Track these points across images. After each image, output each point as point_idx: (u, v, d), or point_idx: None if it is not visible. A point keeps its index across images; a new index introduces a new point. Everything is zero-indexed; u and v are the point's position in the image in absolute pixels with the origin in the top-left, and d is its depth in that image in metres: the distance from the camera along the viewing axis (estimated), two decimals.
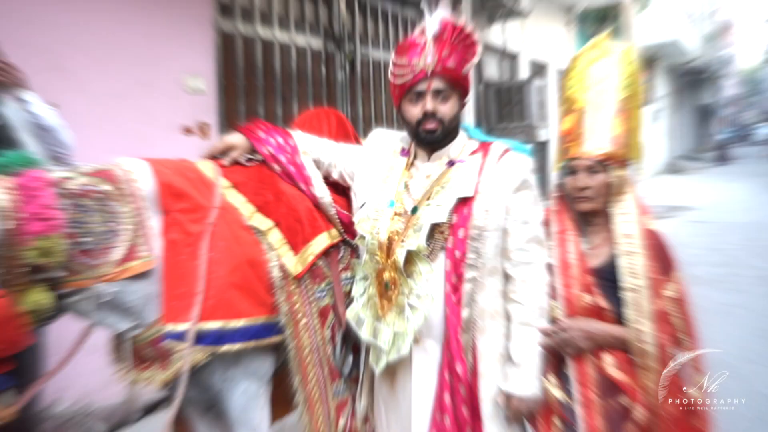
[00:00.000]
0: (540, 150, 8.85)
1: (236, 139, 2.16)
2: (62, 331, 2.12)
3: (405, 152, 2.04)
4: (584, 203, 1.94)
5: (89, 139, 3.38)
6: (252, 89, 4.78)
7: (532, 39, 10.10)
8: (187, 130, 4.10)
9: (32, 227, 1.53)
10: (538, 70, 10.83)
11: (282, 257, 1.99)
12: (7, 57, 2.61)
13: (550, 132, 9.02)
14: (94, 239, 1.71)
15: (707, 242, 8.77)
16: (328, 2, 5.55)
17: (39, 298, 1.59)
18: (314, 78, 5.40)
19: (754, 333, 4.91)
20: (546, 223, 2.00)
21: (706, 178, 19.49)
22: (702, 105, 34.41)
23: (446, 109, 1.90)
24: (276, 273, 1.97)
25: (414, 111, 1.90)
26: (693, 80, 30.20)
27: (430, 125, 1.89)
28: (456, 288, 1.84)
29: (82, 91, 3.45)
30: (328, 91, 5.58)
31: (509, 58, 9.71)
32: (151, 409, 3.75)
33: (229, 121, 4.51)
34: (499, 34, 8.95)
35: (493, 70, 9.27)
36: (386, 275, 1.88)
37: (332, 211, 2.13)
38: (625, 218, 1.90)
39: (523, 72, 9.92)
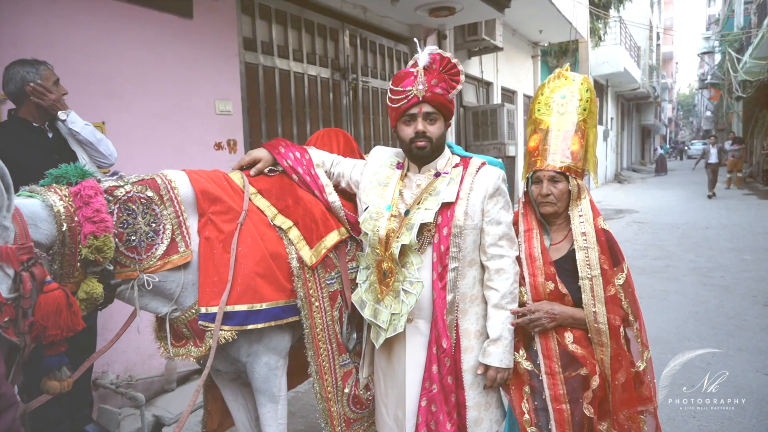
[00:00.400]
0: (509, 163, 8.87)
1: (261, 153, 2.16)
2: (110, 314, 2.12)
3: (400, 165, 2.03)
4: (547, 207, 1.94)
5: (135, 152, 3.39)
6: (272, 111, 4.77)
7: (504, 70, 10.12)
8: (218, 146, 4.08)
9: (85, 229, 1.53)
10: (509, 96, 10.85)
11: (300, 251, 1.99)
12: (50, 78, 2.59)
13: (518, 148, 9.06)
14: (139, 237, 1.71)
15: (648, 239, 8.81)
16: (335, 39, 5.56)
17: (92, 288, 1.59)
18: (323, 102, 5.40)
19: (688, 315, 4.93)
20: (515, 223, 2.00)
21: (648, 186, 19.52)
22: (645, 125, 34.53)
23: (434, 130, 1.89)
24: (294, 264, 1.96)
25: (408, 131, 1.90)
26: (638, 104, 30.37)
27: (421, 143, 1.89)
28: (441, 276, 1.84)
29: (129, 112, 3.44)
30: (334, 114, 5.58)
31: (485, 85, 9.72)
32: (185, 380, 3.75)
33: (252, 138, 4.51)
34: (477, 65, 8.97)
35: (471, 96, 9.28)
36: (385, 265, 1.88)
37: (341, 213, 2.12)
38: (582, 219, 1.89)
39: (496, 98, 9.92)
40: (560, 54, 13.96)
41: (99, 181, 1.66)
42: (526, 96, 11.66)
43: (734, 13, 24.73)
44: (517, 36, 10.67)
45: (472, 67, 8.82)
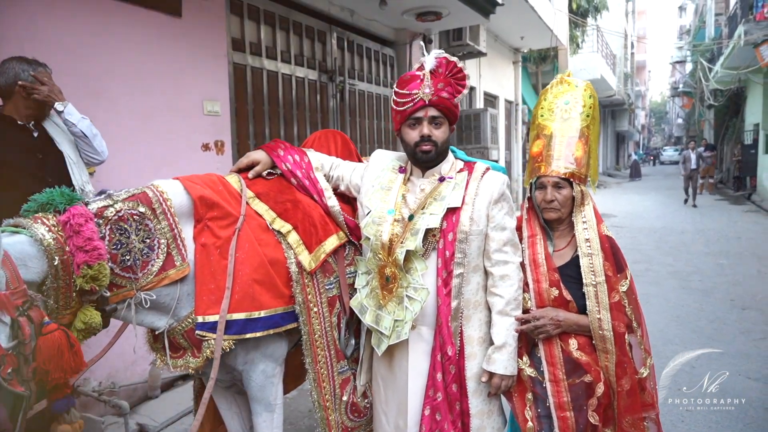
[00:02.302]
0: None
1: (259, 155, 2.10)
2: None
3: (402, 169, 2.00)
4: (551, 213, 1.92)
5: (122, 152, 3.29)
6: (259, 113, 4.70)
7: (487, 75, 10.18)
8: (205, 147, 3.99)
9: (78, 259, 1.46)
10: (491, 100, 10.92)
11: (299, 255, 1.93)
12: (43, 72, 2.50)
13: (500, 152, 9.10)
14: (134, 256, 1.65)
15: (627, 243, 8.90)
16: (323, 41, 5.50)
17: (89, 317, 1.54)
18: (310, 104, 5.34)
19: (670, 319, 4.99)
20: (518, 229, 1.98)
21: (623, 191, 19.83)
22: (619, 131, 35.24)
23: (439, 134, 1.86)
24: (293, 268, 1.91)
25: (412, 134, 1.86)
26: (613, 110, 30.98)
27: (426, 147, 1.85)
28: (446, 282, 1.81)
29: (115, 111, 3.34)
30: (321, 116, 5.52)
31: (468, 90, 9.76)
32: (170, 386, 3.64)
33: (240, 139, 4.43)
34: None
35: None
36: (387, 270, 1.84)
37: (340, 218, 2.07)
38: (586, 226, 1.88)
39: (479, 102, 9.97)
40: (539, 60, 14.14)
41: (87, 204, 1.58)
42: (507, 101, 11.75)
43: (705, 24, 25.42)
44: (499, 42, 10.75)
45: None
